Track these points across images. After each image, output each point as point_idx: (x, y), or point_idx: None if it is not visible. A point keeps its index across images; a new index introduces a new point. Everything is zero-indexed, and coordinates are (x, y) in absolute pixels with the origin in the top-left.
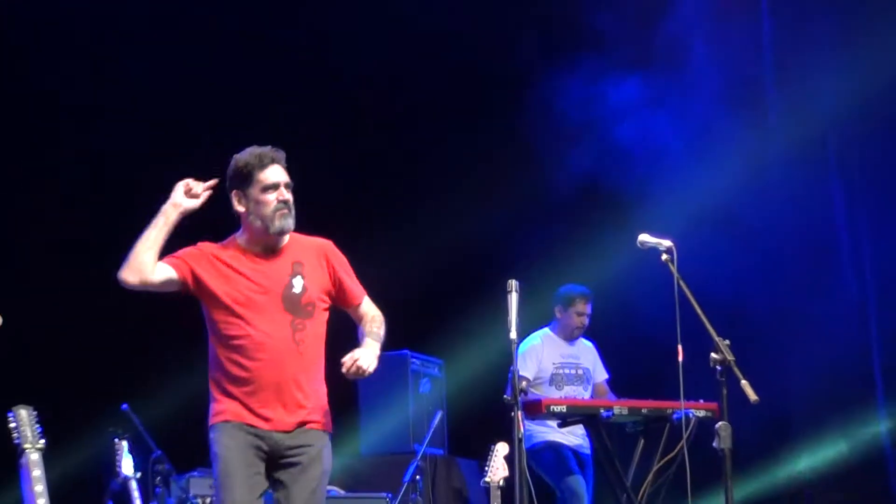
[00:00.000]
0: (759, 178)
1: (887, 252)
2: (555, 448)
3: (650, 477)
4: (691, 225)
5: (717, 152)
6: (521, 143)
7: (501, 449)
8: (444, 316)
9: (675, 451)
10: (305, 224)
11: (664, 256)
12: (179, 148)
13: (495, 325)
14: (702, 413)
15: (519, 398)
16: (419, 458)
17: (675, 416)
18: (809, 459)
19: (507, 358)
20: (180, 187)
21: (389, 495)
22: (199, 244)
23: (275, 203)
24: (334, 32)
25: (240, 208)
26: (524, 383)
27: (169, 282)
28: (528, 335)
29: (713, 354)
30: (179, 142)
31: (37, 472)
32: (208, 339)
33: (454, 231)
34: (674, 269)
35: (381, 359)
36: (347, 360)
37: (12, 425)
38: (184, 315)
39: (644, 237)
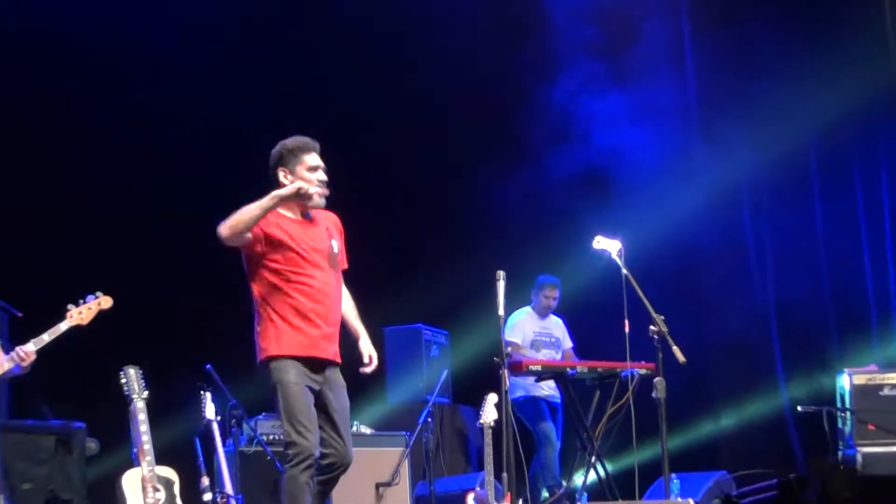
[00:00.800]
0: (692, 205)
1: (781, 258)
2: (533, 400)
3: (604, 419)
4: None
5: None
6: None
7: (492, 398)
8: (449, 295)
9: (623, 400)
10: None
11: (614, 255)
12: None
13: (489, 303)
14: (643, 371)
15: (505, 360)
16: (430, 405)
17: (623, 373)
18: (725, 412)
19: (497, 329)
20: (296, 186)
21: (408, 433)
22: None
23: (316, 181)
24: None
25: (285, 182)
26: (510, 349)
27: (247, 239)
28: (515, 311)
29: (651, 327)
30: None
31: (142, 417)
32: (256, 288)
33: (459, 224)
34: (622, 264)
35: (402, 331)
36: (368, 360)
37: (123, 381)
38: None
39: (598, 239)
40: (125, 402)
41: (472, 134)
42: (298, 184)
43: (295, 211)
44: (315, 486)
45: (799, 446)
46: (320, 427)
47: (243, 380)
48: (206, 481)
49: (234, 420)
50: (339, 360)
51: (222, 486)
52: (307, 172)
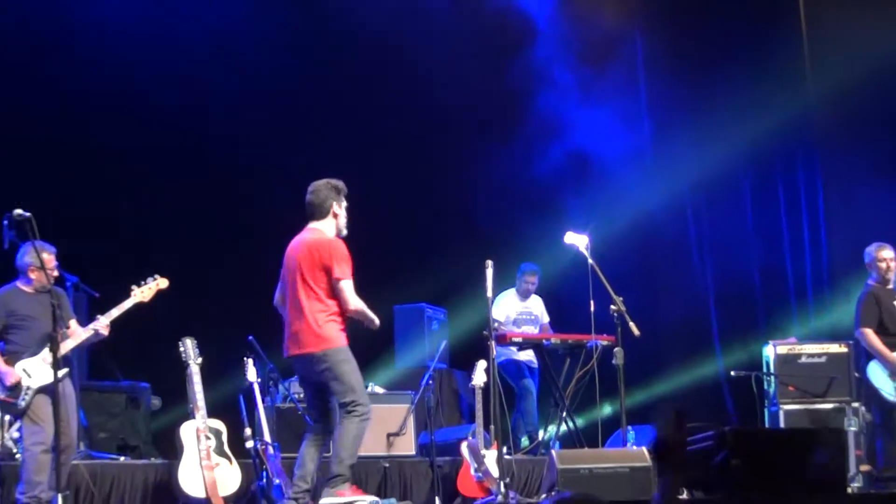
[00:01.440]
0: (648, 205)
1: (718, 248)
2: (515, 363)
3: (573, 382)
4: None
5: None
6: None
7: (481, 364)
8: (448, 280)
9: (589, 366)
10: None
11: (582, 247)
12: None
13: (480, 286)
14: (605, 343)
15: (492, 333)
16: (431, 370)
17: (588, 344)
18: (672, 375)
19: (486, 308)
20: (376, 322)
21: (413, 392)
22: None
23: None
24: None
25: (338, 211)
26: (496, 324)
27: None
28: (501, 292)
29: (612, 306)
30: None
31: (196, 379)
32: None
33: (455, 219)
34: (588, 255)
35: (408, 309)
36: None
37: (181, 349)
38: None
39: (569, 234)
40: (183, 366)
41: (467, 141)
42: (376, 321)
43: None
44: None
45: (732, 404)
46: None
47: (278, 348)
48: (248, 431)
49: (271, 381)
50: None
51: (262, 435)
52: (344, 210)
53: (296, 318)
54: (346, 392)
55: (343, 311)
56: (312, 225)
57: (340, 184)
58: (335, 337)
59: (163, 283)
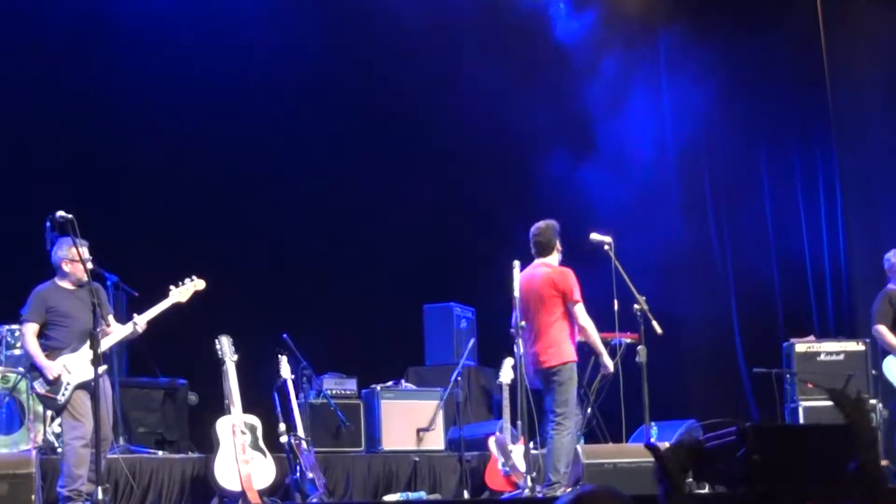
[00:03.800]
0: (670, 208)
1: (738, 249)
2: None
3: (598, 378)
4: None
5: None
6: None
7: (508, 362)
8: (477, 280)
9: (613, 362)
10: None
11: (606, 247)
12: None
13: (507, 286)
14: (629, 340)
15: (519, 331)
16: (460, 367)
17: (613, 342)
18: (694, 373)
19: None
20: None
21: (442, 389)
22: None
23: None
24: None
25: (559, 247)
26: (522, 322)
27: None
28: None
29: (635, 305)
30: None
31: (232, 375)
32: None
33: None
34: (612, 255)
35: (437, 308)
36: None
37: (217, 347)
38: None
39: (593, 235)
40: (219, 363)
41: (487, 172)
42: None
43: None
44: None
45: (753, 401)
46: None
47: (311, 346)
48: (282, 426)
49: (304, 378)
50: None
51: (295, 430)
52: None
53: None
54: (560, 405)
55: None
56: (541, 261)
57: (557, 225)
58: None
59: (200, 284)
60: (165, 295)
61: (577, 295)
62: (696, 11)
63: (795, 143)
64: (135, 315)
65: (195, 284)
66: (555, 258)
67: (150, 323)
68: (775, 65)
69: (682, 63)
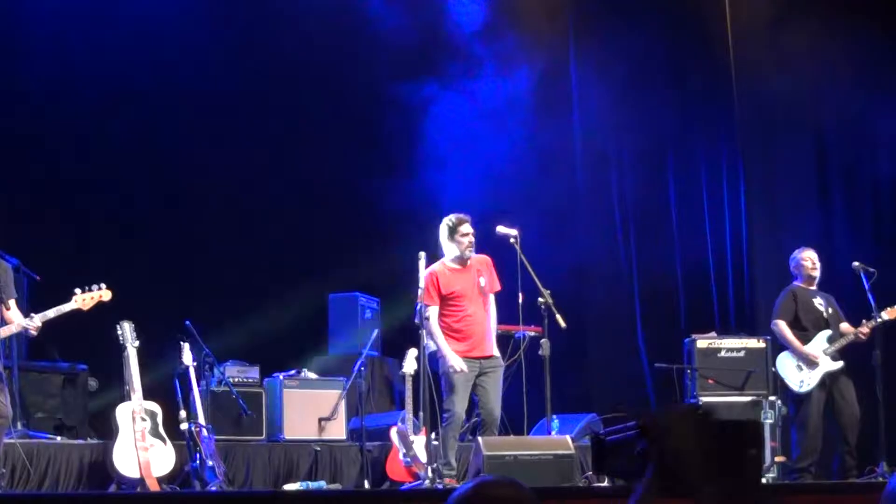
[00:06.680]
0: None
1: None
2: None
3: None
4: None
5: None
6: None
7: (412, 353)
8: (382, 270)
9: (516, 356)
10: None
11: (512, 240)
12: None
13: (412, 276)
14: (532, 333)
15: (423, 322)
16: (363, 357)
17: (516, 335)
18: (596, 367)
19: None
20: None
21: (345, 378)
22: None
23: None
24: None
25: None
26: (427, 313)
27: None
28: None
29: (540, 298)
30: None
31: (133, 361)
32: None
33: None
34: (518, 249)
35: (342, 298)
36: None
37: (119, 332)
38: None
39: (500, 227)
40: (120, 349)
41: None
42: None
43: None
44: None
45: (654, 395)
46: None
47: (214, 333)
48: (183, 414)
49: (206, 365)
50: None
51: (196, 417)
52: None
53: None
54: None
55: None
56: None
57: (450, 220)
58: None
59: (106, 295)
60: (69, 298)
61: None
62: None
63: (701, 138)
64: (33, 315)
65: (101, 294)
66: (445, 256)
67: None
68: (683, 60)
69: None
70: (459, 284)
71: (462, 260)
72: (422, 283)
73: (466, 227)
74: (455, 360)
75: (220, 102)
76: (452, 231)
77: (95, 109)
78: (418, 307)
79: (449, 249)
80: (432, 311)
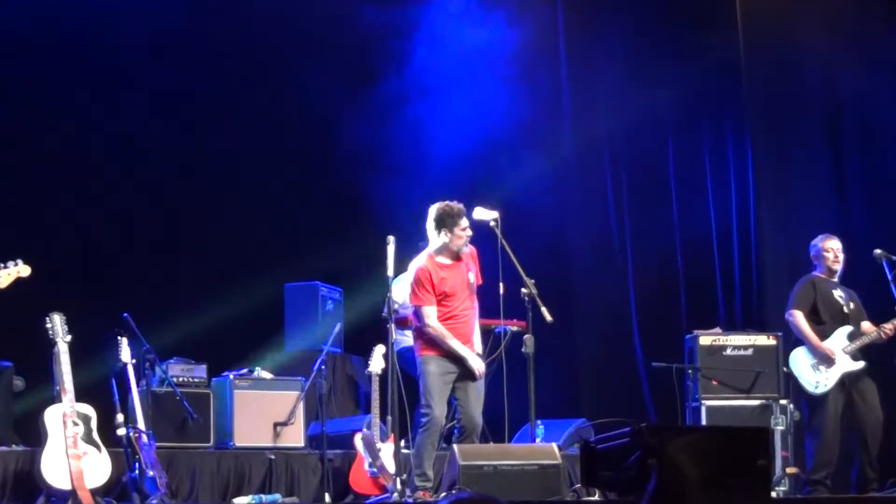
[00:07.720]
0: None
1: (638, 231)
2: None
3: None
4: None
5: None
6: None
7: (379, 349)
8: (345, 257)
9: (496, 353)
10: None
11: (492, 223)
12: None
13: (380, 264)
14: (515, 328)
15: (392, 315)
16: (324, 354)
17: (496, 330)
18: (586, 366)
19: (386, 287)
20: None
21: (303, 378)
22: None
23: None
24: None
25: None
26: (396, 306)
27: None
28: (403, 271)
29: (523, 289)
30: None
31: (64, 358)
32: None
33: (355, 194)
34: (499, 233)
35: (301, 287)
36: None
37: (48, 325)
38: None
39: (478, 210)
40: (49, 344)
41: (363, 116)
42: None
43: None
44: None
45: (651, 399)
46: None
47: (155, 327)
48: (120, 417)
49: (147, 363)
50: None
51: (135, 421)
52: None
53: None
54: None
55: None
56: None
57: (437, 207)
58: None
59: (25, 270)
60: None
61: (412, 300)
62: None
63: (707, 124)
64: None
65: (18, 270)
66: (430, 246)
67: None
68: (688, 46)
69: (583, 36)
70: (451, 282)
71: (454, 254)
72: (402, 281)
73: (465, 222)
74: (476, 363)
75: (173, 87)
76: (450, 223)
77: (31, 90)
78: (388, 299)
79: (438, 240)
80: (431, 312)
